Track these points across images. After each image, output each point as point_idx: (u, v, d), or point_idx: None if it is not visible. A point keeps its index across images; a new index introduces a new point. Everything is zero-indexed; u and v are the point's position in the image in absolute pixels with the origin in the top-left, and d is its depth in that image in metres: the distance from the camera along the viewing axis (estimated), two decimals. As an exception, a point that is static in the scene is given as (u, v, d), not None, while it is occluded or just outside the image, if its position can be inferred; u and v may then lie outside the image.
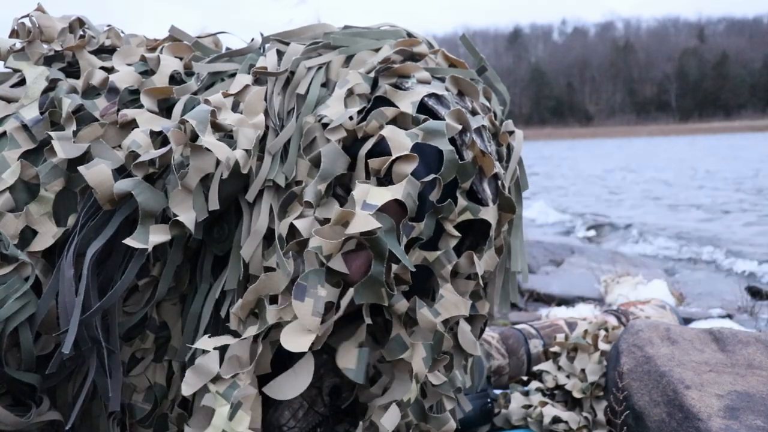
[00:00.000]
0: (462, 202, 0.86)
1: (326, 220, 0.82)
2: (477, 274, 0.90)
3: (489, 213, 0.89)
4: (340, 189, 0.86)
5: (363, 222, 0.76)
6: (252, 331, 0.79)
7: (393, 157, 0.81)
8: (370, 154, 0.84)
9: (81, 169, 0.79)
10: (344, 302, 0.76)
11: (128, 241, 0.76)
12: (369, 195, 0.79)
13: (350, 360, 0.81)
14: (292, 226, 0.82)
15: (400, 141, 0.82)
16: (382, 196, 0.78)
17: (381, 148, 0.84)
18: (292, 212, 0.84)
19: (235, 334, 0.82)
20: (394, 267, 0.80)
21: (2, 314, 0.76)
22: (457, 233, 0.87)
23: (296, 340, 0.75)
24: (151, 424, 0.91)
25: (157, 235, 0.78)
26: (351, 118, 0.86)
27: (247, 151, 0.84)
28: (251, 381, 0.79)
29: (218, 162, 0.81)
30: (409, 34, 1.04)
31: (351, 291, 0.77)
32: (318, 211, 0.83)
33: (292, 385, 0.79)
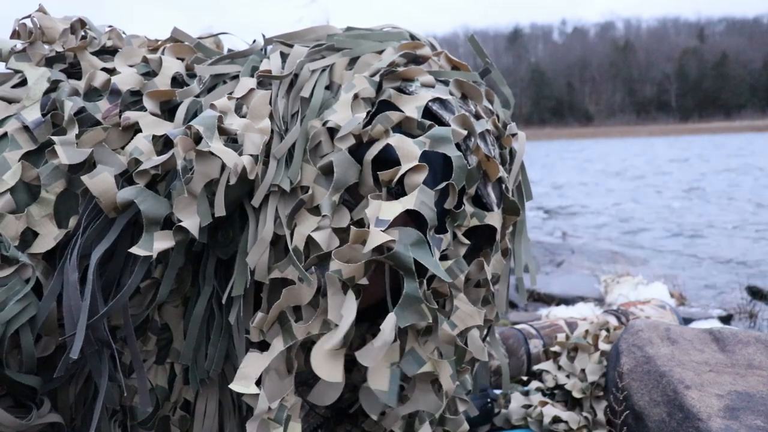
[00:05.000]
0: (469, 208, 0.86)
1: (340, 230, 0.82)
2: (487, 281, 0.90)
3: (494, 218, 0.89)
4: (346, 194, 0.86)
5: (376, 238, 0.75)
6: (279, 343, 0.79)
7: (403, 170, 0.80)
8: (376, 159, 0.84)
9: (84, 178, 0.79)
10: (387, 327, 0.73)
11: (134, 250, 0.76)
12: (381, 211, 0.78)
13: (383, 381, 0.77)
14: (310, 239, 0.81)
15: (409, 150, 0.82)
16: (393, 209, 0.77)
17: (387, 154, 0.84)
18: (300, 221, 0.84)
19: (257, 345, 0.82)
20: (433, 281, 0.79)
21: (3, 317, 0.76)
22: (467, 241, 0.86)
23: (328, 367, 0.75)
24: (152, 426, 0.90)
25: (162, 242, 0.78)
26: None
27: (254, 156, 0.84)
28: (292, 389, 0.80)
29: (223, 168, 0.81)
30: (412, 36, 1.04)
31: (392, 316, 0.74)
32: (333, 222, 0.82)
33: (330, 389, 0.79)
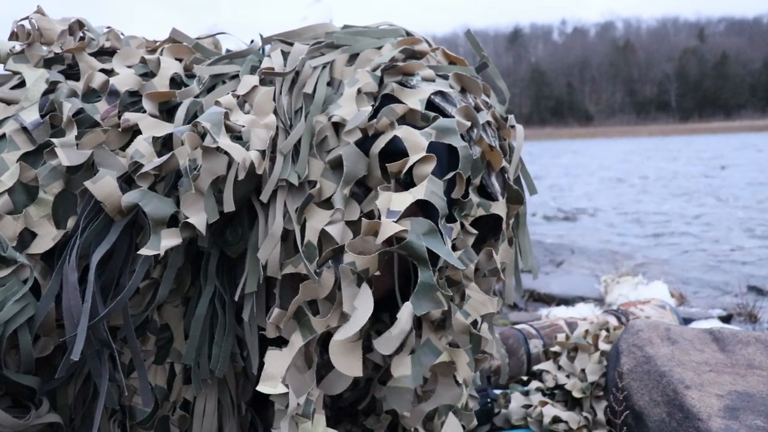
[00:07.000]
0: (474, 198, 0.87)
1: (351, 223, 0.82)
2: (497, 270, 0.90)
3: (499, 207, 0.90)
4: (355, 187, 0.86)
5: (388, 229, 0.75)
6: (298, 339, 0.79)
7: (412, 161, 0.81)
8: (382, 151, 0.85)
9: (87, 183, 0.79)
10: (404, 316, 0.74)
11: (143, 251, 0.76)
12: (392, 202, 0.78)
13: (405, 367, 0.78)
14: (324, 233, 0.82)
15: (416, 141, 0.82)
16: (404, 200, 0.78)
17: (393, 146, 0.84)
18: (310, 216, 0.84)
19: (272, 342, 0.82)
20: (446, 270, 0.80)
21: (1, 317, 0.75)
22: (474, 231, 0.87)
23: (347, 362, 0.75)
24: (151, 426, 0.90)
25: (169, 239, 0.78)
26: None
27: (261, 151, 0.84)
28: (315, 383, 0.80)
29: (230, 164, 0.81)
30: (408, 33, 1.05)
31: (408, 305, 0.74)
32: (345, 215, 0.83)
33: (342, 379, 0.81)
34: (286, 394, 0.76)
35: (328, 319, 0.78)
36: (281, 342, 0.82)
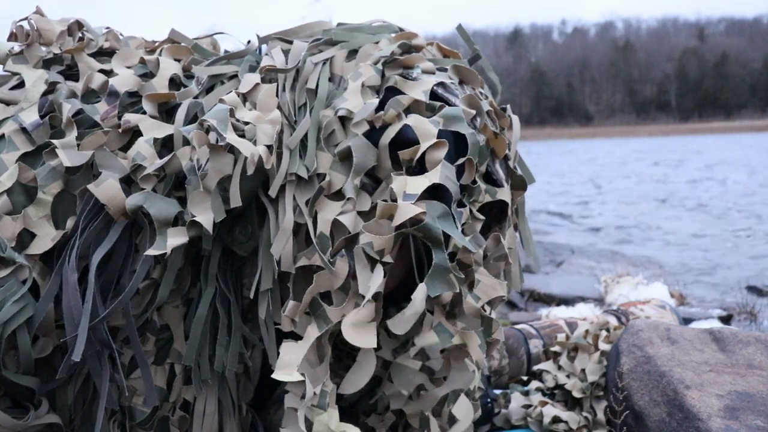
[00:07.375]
0: (481, 184, 0.88)
1: (363, 213, 0.83)
2: (506, 255, 0.91)
3: (505, 193, 0.91)
4: (364, 178, 0.87)
5: (406, 211, 0.76)
6: (314, 330, 0.79)
7: (424, 148, 0.82)
8: (390, 143, 0.86)
9: (90, 186, 0.80)
10: (418, 296, 0.76)
11: (150, 252, 0.77)
12: (408, 186, 0.80)
13: (431, 337, 0.79)
14: (336, 223, 0.82)
15: (427, 129, 0.84)
16: (420, 184, 0.79)
17: (401, 136, 0.85)
18: (321, 208, 0.84)
19: (290, 335, 0.82)
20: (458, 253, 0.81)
21: (0, 317, 0.76)
22: (482, 216, 0.88)
23: (362, 335, 0.76)
24: (151, 427, 0.90)
25: (175, 238, 0.79)
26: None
27: (268, 146, 0.84)
28: (328, 376, 0.81)
29: (236, 161, 0.82)
30: (401, 29, 1.06)
31: (422, 286, 0.75)
32: (357, 205, 0.84)
33: (360, 376, 0.81)
34: (302, 382, 0.77)
35: (343, 308, 0.79)
36: (295, 338, 0.82)
